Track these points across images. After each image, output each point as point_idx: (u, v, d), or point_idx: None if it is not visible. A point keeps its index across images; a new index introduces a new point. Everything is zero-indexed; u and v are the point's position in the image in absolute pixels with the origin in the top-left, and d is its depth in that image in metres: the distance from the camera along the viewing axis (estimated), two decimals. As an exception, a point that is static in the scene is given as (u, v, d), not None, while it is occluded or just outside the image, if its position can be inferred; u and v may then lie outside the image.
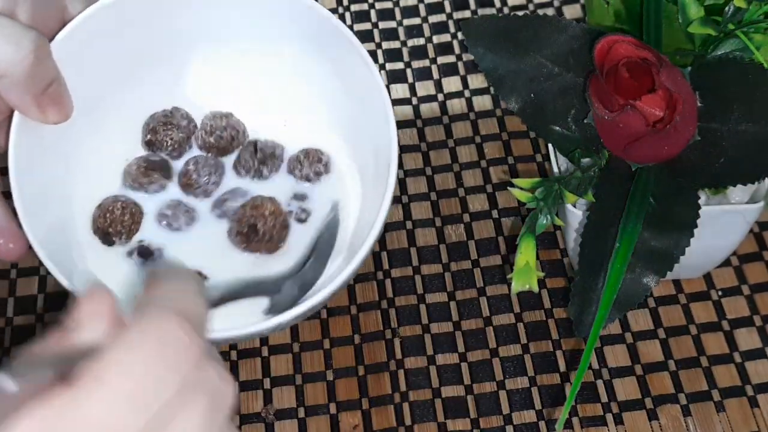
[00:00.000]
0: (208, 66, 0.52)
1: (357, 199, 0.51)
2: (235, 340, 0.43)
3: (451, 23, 0.68)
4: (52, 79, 0.43)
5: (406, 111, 0.64)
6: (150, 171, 0.50)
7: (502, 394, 0.53)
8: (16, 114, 0.43)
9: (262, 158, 0.51)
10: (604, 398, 0.52)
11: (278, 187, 0.51)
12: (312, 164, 0.51)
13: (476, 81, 0.65)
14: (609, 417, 0.52)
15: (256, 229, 0.48)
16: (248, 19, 0.49)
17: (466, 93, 0.64)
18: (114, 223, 0.49)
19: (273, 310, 0.45)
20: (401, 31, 0.68)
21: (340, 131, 0.52)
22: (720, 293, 0.56)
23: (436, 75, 0.65)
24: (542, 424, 0.52)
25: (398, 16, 0.68)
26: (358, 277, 0.56)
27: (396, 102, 0.64)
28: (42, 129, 0.44)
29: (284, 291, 0.45)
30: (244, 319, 0.42)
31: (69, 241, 0.48)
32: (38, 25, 0.42)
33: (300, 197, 0.51)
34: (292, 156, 0.52)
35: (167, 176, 0.51)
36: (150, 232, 0.50)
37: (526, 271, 0.47)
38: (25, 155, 0.44)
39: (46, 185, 0.46)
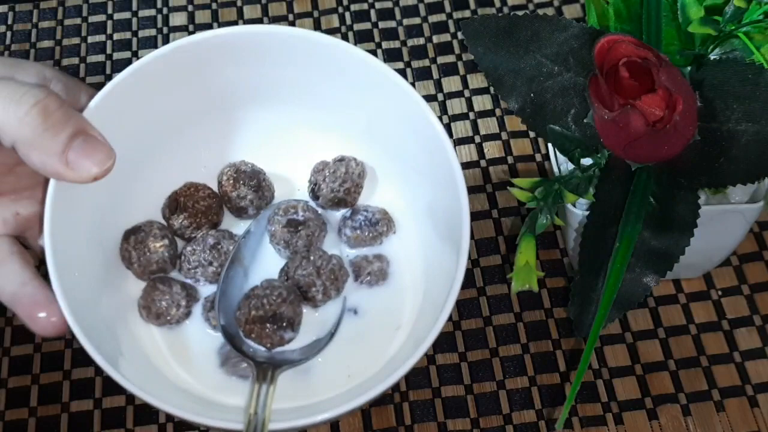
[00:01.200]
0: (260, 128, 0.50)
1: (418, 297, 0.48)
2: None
3: (450, 23, 0.68)
4: (74, 131, 0.38)
5: (406, 111, 0.64)
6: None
7: (502, 394, 0.53)
8: (50, 183, 0.40)
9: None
10: (604, 398, 0.52)
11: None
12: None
13: (476, 81, 0.65)
14: (609, 417, 0.52)
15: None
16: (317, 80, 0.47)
17: (466, 93, 0.64)
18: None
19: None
20: (401, 30, 0.67)
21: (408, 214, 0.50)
22: (720, 293, 0.56)
23: (436, 75, 0.65)
24: (542, 424, 0.52)
25: (398, 15, 0.68)
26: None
27: (396, 102, 0.64)
28: (80, 197, 0.42)
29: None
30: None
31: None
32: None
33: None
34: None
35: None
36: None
37: (526, 270, 0.47)
38: (61, 224, 0.41)
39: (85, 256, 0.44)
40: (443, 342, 0.54)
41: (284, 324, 0.45)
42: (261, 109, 0.49)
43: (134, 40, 0.69)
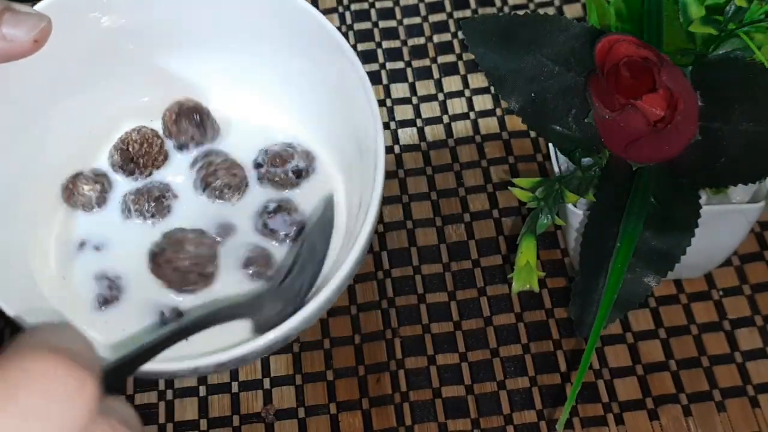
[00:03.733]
0: (181, 64, 0.50)
1: (343, 195, 0.48)
2: (221, 366, 0.39)
3: (451, 22, 0.68)
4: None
5: (407, 110, 0.64)
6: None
7: (503, 394, 0.53)
8: None
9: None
10: (605, 398, 0.52)
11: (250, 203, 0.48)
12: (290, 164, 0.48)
13: (477, 80, 0.65)
14: (610, 417, 0.52)
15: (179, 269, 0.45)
16: (224, 18, 0.48)
17: (467, 92, 0.64)
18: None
19: (259, 331, 0.41)
20: (401, 30, 0.67)
21: (316, 126, 0.49)
22: (721, 293, 0.55)
23: (436, 74, 0.65)
24: (543, 425, 0.52)
25: (398, 15, 0.68)
26: (358, 277, 0.56)
27: (396, 101, 0.64)
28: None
29: (266, 310, 0.41)
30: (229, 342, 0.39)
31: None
32: None
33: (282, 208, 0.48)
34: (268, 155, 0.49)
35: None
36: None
37: (526, 270, 0.47)
38: None
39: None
40: (443, 342, 0.54)
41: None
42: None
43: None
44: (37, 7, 0.42)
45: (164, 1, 0.47)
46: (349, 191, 0.48)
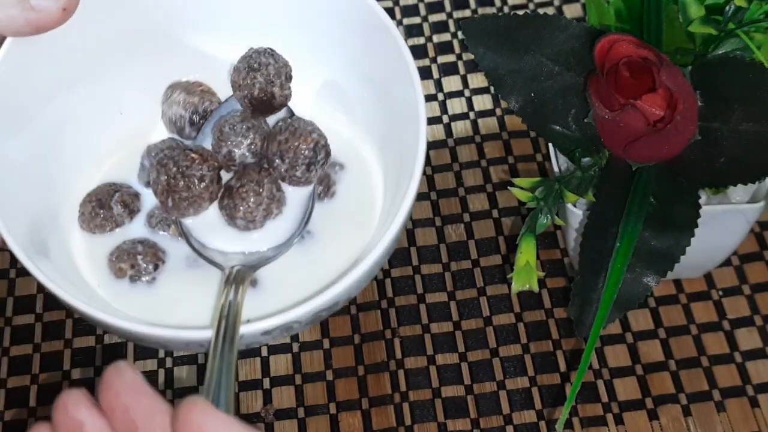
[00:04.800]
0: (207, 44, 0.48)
1: (380, 190, 0.46)
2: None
3: (451, 22, 0.68)
4: None
5: (406, 110, 0.63)
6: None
7: (503, 394, 0.53)
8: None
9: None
10: (605, 398, 0.52)
11: None
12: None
13: (476, 80, 0.65)
14: (609, 417, 0.52)
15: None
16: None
17: (466, 92, 0.64)
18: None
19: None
20: (401, 30, 0.67)
21: (361, 123, 0.47)
22: (721, 293, 0.55)
23: (436, 74, 0.65)
24: (542, 424, 0.52)
25: (398, 15, 0.68)
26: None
27: (396, 101, 0.64)
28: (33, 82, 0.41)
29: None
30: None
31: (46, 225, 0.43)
32: None
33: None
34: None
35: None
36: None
37: (526, 270, 0.47)
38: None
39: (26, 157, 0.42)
40: (443, 342, 0.54)
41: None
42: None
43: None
44: None
45: None
46: (386, 167, 0.46)
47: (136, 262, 0.44)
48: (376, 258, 0.38)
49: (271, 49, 0.45)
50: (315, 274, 0.43)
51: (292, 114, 0.46)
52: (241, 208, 0.43)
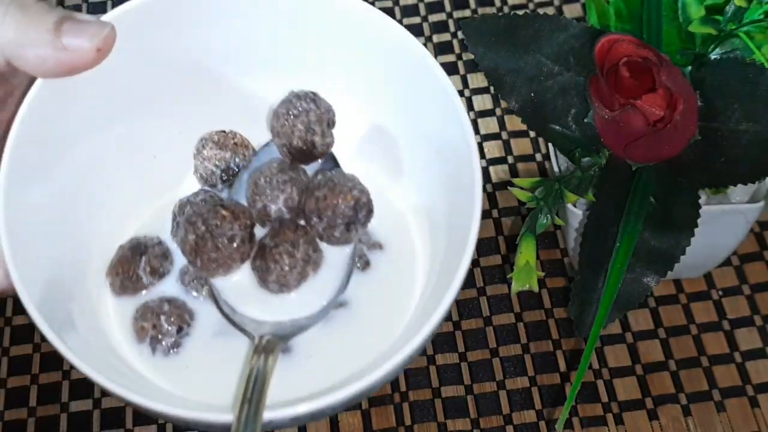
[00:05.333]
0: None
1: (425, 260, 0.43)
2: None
3: (451, 22, 0.68)
4: (59, 17, 0.36)
5: (406, 110, 0.63)
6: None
7: (502, 394, 0.53)
8: (21, 109, 0.37)
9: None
10: (605, 398, 0.52)
11: None
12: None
13: (476, 80, 0.65)
14: (609, 417, 0.52)
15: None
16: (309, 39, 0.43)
17: (467, 92, 0.64)
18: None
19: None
20: (401, 30, 0.67)
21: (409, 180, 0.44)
22: (720, 293, 0.55)
23: (436, 74, 0.65)
24: (542, 424, 0.52)
25: (398, 15, 0.68)
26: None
27: (396, 101, 0.64)
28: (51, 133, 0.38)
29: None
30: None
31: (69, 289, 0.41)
32: None
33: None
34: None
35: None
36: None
37: (526, 270, 0.47)
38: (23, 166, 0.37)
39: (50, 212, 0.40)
40: (443, 342, 0.54)
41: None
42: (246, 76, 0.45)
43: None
44: (103, 18, 0.39)
45: (245, 19, 0.42)
46: (432, 241, 0.44)
47: (159, 323, 0.41)
48: (416, 347, 0.35)
49: (313, 93, 0.42)
50: (349, 349, 0.41)
51: (335, 163, 0.43)
52: (275, 271, 0.40)
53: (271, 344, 0.38)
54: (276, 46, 0.44)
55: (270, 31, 0.43)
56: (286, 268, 0.40)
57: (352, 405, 0.37)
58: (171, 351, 0.41)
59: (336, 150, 0.43)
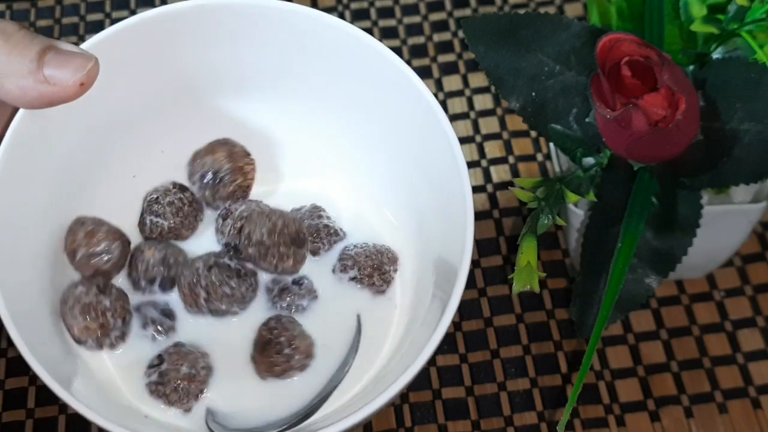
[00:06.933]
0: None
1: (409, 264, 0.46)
2: None
3: (451, 21, 0.67)
4: (42, 47, 0.36)
5: (406, 110, 0.63)
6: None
7: (503, 396, 0.52)
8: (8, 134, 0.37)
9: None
10: (606, 400, 0.52)
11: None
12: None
13: (477, 80, 0.64)
14: (611, 419, 0.52)
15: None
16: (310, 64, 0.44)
17: (467, 92, 0.64)
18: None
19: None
20: (401, 29, 0.67)
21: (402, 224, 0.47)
22: (723, 294, 0.55)
23: (436, 74, 0.65)
24: (543, 426, 0.51)
25: (398, 14, 0.68)
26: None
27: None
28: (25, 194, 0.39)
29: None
30: None
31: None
32: None
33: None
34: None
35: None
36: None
37: (527, 271, 0.47)
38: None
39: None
40: (444, 343, 0.54)
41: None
42: (235, 99, 0.46)
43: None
44: (85, 45, 0.39)
45: (228, 43, 0.43)
46: (418, 258, 0.46)
47: (106, 319, 0.43)
48: (386, 400, 0.36)
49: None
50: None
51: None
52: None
53: None
54: (258, 69, 0.45)
55: (254, 55, 0.44)
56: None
57: None
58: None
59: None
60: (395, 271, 0.46)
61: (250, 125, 0.47)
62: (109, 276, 0.45)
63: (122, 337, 0.43)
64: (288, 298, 0.45)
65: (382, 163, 0.46)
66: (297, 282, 0.45)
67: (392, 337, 0.45)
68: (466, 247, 0.38)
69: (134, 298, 0.45)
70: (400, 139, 0.45)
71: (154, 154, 0.46)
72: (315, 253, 0.46)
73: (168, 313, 0.45)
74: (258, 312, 0.45)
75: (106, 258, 0.44)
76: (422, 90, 0.41)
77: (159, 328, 0.44)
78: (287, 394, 0.43)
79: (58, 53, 0.36)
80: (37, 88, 0.35)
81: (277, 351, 0.42)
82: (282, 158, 0.49)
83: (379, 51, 0.41)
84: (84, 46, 0.39)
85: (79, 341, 0.42)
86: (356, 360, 0.44)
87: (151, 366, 0.43)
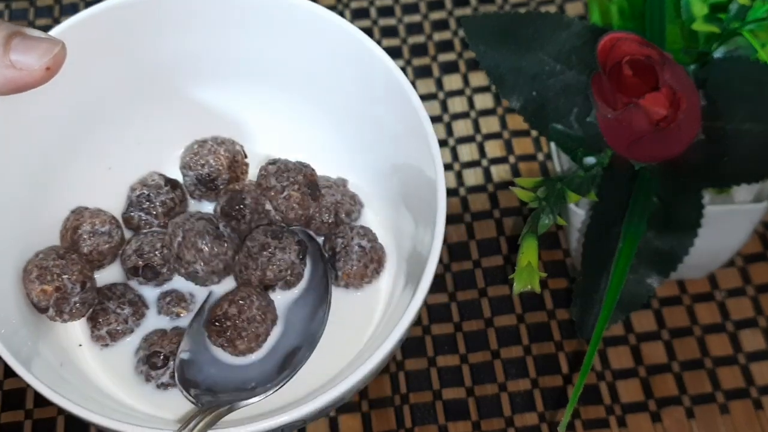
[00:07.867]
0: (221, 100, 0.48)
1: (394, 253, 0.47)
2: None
3: (451, 20, 0.67)
4: (8, 33, 0.36)
5: (407, 109, 0.63)
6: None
7: (504, 397, 0.52)
8: None
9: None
10: (607, 400, 0.52)
11: None
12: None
13: (477, 79, 0.64)
14: (612, 419, 0.51)
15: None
16: (286, 51, 0.45)
17: (467, 91, 0.64)
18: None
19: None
20: (401, 28, 0.67)
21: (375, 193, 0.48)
22: (724, 294, 0.55)
23: (436, 73, 0.65)
24: (544, 427, 0.51)
25: (398, 13, 0.68)
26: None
27: (396, 100, 0.64)
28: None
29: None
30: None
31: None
32: None
33: None
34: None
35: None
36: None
37: (527, 271, 0.47)
38: None
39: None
40: (444, 344, 0.54)
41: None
42: (212, 88, 0.47)
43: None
44: (54, 32, 0.39)
45: (204, 29, 0.44)
46: (399, 239, 0.47)
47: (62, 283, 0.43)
48: (362, 376, 0.37)
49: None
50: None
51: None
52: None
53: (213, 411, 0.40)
54: (235, 56, 0.45)
55: (228, 42, 0.44)
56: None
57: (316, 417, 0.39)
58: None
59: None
60: (379, 264, 0.47)
61: (226, 113, 0.48)
62: (100, 261, 0.46)
63: (84, 305, 0.44)
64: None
65: (356, 150, 0.48)
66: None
67: (374, 327, 0.46)
68: (439, 217, 0.40)
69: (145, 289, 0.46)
70: (374, 121, 0.46)
71: (129, 144, 0.47)
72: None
73: (134, 302, 0.46)
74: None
75: (106, 239, 0.45)
76: (389, 66, 0.42)
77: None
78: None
79: (24, 38, 0.36)
80: (3, 73, 0.36)
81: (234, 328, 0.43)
82: (258, 144, 0.49)
83: (345, 29, 0.43)
84: (53, 32, 0.39)
85: (38, 307, 0.42)
86: (335, 347, 0.44)
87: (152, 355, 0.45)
